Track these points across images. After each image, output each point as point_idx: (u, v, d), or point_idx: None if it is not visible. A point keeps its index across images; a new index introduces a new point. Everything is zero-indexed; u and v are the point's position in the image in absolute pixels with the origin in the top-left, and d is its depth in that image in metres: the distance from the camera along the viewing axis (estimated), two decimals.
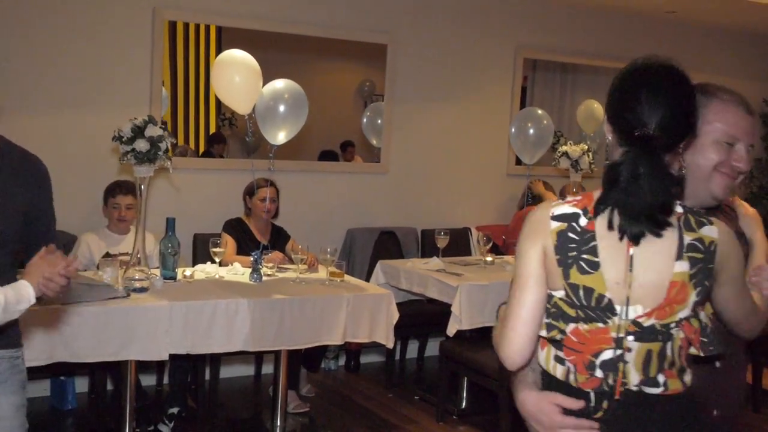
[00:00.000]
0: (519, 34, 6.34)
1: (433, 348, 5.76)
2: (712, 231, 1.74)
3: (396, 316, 4.17)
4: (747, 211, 2.14)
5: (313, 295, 3.99)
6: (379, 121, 5.99)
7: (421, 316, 5.29)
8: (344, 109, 7.76)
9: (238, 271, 4.24)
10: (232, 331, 3.70)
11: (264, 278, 4.15)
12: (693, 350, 1.75)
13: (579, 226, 1.74)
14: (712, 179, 1.96)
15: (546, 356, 1.79)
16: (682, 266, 1.71)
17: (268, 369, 5.25)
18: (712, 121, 1.97)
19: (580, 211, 1.75)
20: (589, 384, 1.73)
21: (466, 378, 4.85)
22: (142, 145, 3.69)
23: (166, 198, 5.00)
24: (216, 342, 3.69)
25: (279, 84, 4.59)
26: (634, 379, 1.72)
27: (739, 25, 7.13)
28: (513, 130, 5.80)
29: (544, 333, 1.76)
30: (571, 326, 1.74)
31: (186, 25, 6.79)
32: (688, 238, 1.72)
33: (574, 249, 1.73)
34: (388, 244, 5.74)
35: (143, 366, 4.64)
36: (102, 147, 4.57)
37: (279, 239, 4.86)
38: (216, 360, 4.78)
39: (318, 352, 4.98)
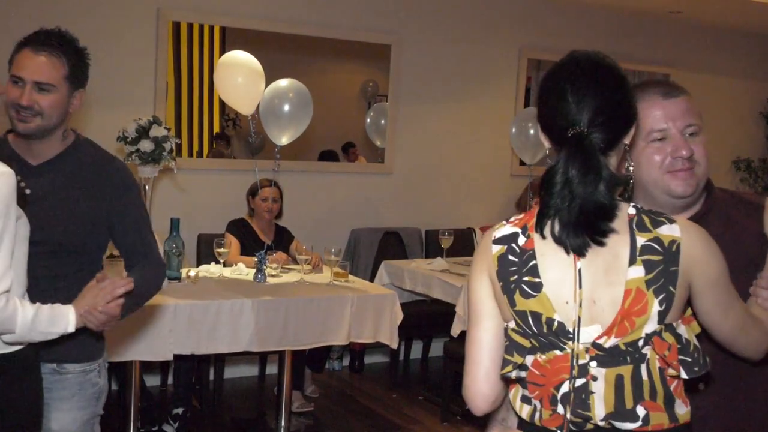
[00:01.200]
0: (523, 34, 6.34)
1: (437, 348, 5.76)
2: (672, 229, 1.51)
3: (400, 316, 4.17)
4: None
5: (318, 295, 3.99)
6: (383, 122, 5.99)
7: (425, 317, 5.29)
8: (347, 110, 7.75)
9: (242, 272, 4.25)
10: (236, 332, 3.70)
11: (268, 279, 4.15)
12: (672, 371, 1.50)
13: (518, 246, 1.57)
14: (665, 181, 1.76)
15: (513, 396, 1.62)
16: (637, 272, 1.49)
17: (272, 369, 5.25)
18: (641, 125, 1.73)
19: (519, 230, 1.58)
20: (553, 422, 1.53)
21: None
22: (146, 145, 3.70)
23: (170, 198, 5.00)
24: (220, 342, 3.70)
25: (283, 83, 4.59)
26: (599, 412, 1.49)
27: (745, 26, 7.12)
28: (513, 130, 5.80)
29: (500, 371, 1.58)
30: (530, 358, 1.54)
31: (190, 26, 6.80)
32: (641, 240, 1.50)
33: (515, 272, 1.55)
34: (392, 245, 5.74)
35: (147, 366, 4.65)
36: (106, 147, 4.54)
37: (283, 240, 4.86)
38: (220, 360, 4.78)
39: (322, 353, 4.98)
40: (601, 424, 1.49)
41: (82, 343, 2.22)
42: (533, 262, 1.54)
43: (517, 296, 1.54)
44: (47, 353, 2.16)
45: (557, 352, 1.52)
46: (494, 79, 6.28)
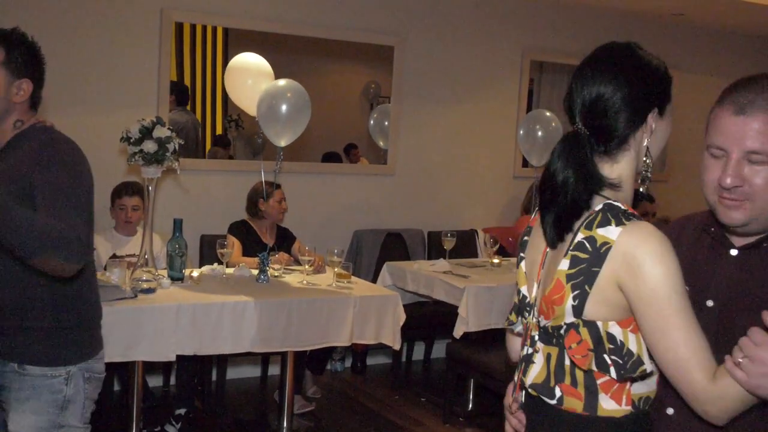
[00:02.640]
0: (526, 36, 6.34)
1: (439, 350, 5.76)
2: (611, 232, 1.50)
3: (402, 317, 4.17)
4: None
5: (320, 296, 3.99)
6: (386, 123, 5.99)
7: (428, 318, 5.29)
8: (350, 111, 7.76)
9: (245, 273, 4.25)
10: (239, 332, 3.70)
11: (271, 279, 4.15)
12: (594, 367, 1.54)
13: (530, 223, 1.77)
14: (713, 203, 1.61)
15: None
16: (564, 264, 1.55)
17: (274, 371, 5.25)
18: (708, 129, 1.62)
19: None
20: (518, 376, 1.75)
21: (472, 380, 4.84)
22: (149, 146, 3.69)
23: (173, 199, 5.01)
24: (223, 343, 3.70)
25: (281, 83, 4.53)
26: (530, 380, 1.64)
27: (747, 28, 7.12)
28: (521, 132, 5.79)
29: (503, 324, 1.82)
30: (520, 319, 1.78)
31: (193, 27, 6.80)
32: (579, 237, 1.54)
33: (521, 245, 1.78)
34: (394, 246, 5.74)
35: (149, 367, 4.66)
36: (110, 148, 4.58)
37: (285, 241, 4.87)
38: (223, 361, 4.78)
39: (322, 355, 4.98)
40: (530, 391, 1.65)
41: (45, 346, 2.18)
42: (525, 238, 1.76)
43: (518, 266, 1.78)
44: (9, 352, 2.17)
45: (524, 321, 1.73)
46: (497, 80, 6.28)
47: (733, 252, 1.61)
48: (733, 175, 1.53)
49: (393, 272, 5.02)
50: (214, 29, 7.17)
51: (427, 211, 6.00)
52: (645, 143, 1.60)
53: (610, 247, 1.50)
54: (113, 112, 4.78)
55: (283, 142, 4.35)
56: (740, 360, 1.39)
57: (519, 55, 6.32)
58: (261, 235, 4.79)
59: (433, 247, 5.78)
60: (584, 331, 1.54)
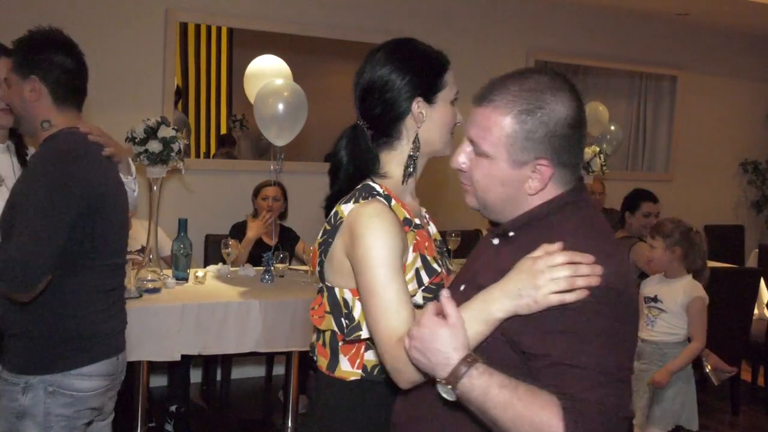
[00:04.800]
0: (530, 36, 6.34)
1: None
2: (347, 208, 1.68)
3: None
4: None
5: None
6: None
7: None
8: (353, 111, 7.76)
9: (249, 272, 4.25)
10: (244, 332, 3.70)
11: (275, 279, 4.15)
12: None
13: None
14: None
15: None
16: (319, 234, 1.75)
17: (279, 370, 5.25)
18: None
19: None
20: None
21: None
22: (154, 146, 3.70)
23: (178, 199, 5.01)
24: (228, 343, 3.70)
25: (278, 82, 4.49)
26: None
27: (752, 28, 7.10)
28: None
29: None
30: None
31: (197, 27, 6.82)
32: (333, 211, 1.73)
33: None
34: None
35: (151, 366, 4.66)
36: None
37: (288, 240, 4.86)
38: (227, 361, 4.79)
39: None
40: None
41: (11, 353, 2.15)
42: None
43: None
44: None
45: None
46: None
47: (495, 241, 1.62)
48: (457, 158, 1.63)
49: None
50: (219, 29, 7.19)
51: (430, 210, 5.94)
52: (415, 131, 1.73)
53: (342, 221, 1.67)
54: (118, 111, 4.79)
55: (280, 142, 4.32)
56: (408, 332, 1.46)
57: (523, 55, 6.31)
58: (262, 235, 4.79)
59: None
60: (326, 295, 1.72)
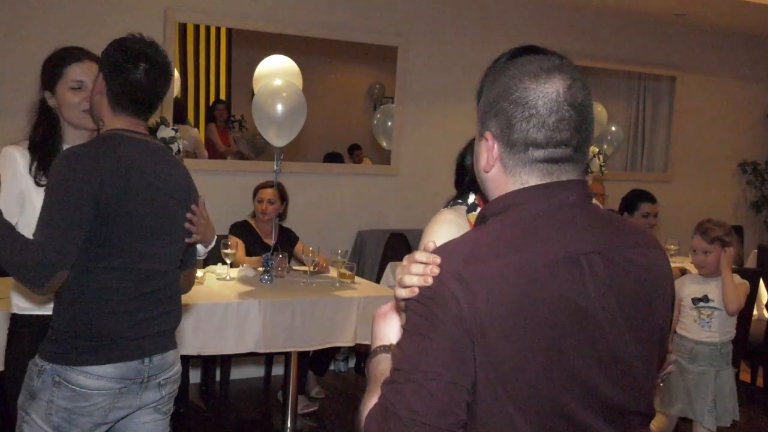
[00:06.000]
0: (529, 36, 6.32)
1: None
2: None
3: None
4: None
5: (324, 296, 3.99)
6: (390, 124, 6.00)
7: None
8: (354, 112, 7.77)
9: (248, 273, 4.25)
10: (243, 332, 3.71)
11: (275, 280, 4.16)
12: None
13: None
14: None
15: None
16: None
17: (278, 371, 5.25)
18: None
19: None
20: None
21: None
22: None
23: None
24: (227, 343, 3.70)
25: (277, 83, 4.47)
26: None
27: (750, 29, 7.11)
28: None
29: None
30: None
31: (196, 27, 6.82)
32: None
33: None
34: (398, 246, 5.73)
35: None
36: None
37: (287, 241, 4.87)
38: (227, 361, 4.79)
39: (325, 356, 4.98)
40: None
41: (46, 336, 2.26)
42: None
43: None
44: None
45: None
46: None
47: None
48: None
49: (397, 272, 5.02)
50: (218, 29, 7.19)
51: (430, 211, 5.93)
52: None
53: None
54: None
55: (279, 143, 4.31)
56: None
57: None
58: (262, 234, 4.79)
59: None
60: None
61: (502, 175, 1.39)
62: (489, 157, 1.39)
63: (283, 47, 5.65)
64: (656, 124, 7.35)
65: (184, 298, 3.66)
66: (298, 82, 4.51)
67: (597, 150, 5.60)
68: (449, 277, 1.27)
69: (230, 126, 7.23)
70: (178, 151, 3.77)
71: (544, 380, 1.27)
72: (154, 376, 2.33)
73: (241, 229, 4.78)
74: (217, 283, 4.04)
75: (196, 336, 3.60)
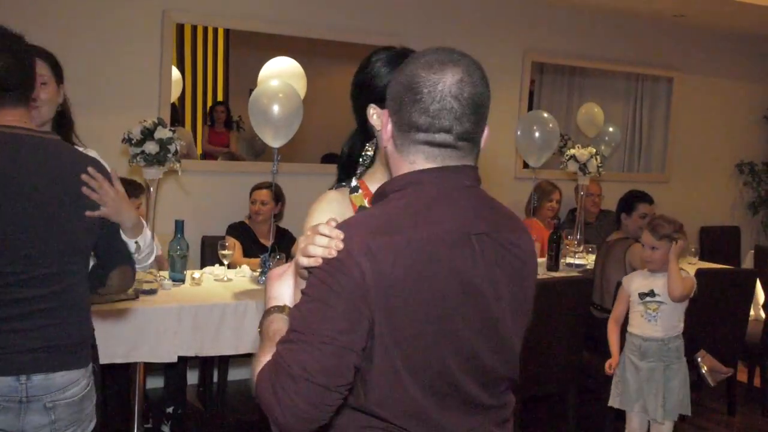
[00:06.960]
0: (527, 37, 6.35)
1: None
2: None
3: None
4: None
5: None
6: None
7: None
8: (349, 113, 7.76)
9: (246, 274, 4.25)
10: (240, 333, 3.70)
11: None
12: None
13: None
14: None
15: None
16: None
17: None
18: None
19: None
20: None
21: None
22: (151, 147, 3.70)
23: (174, 200, 5.01)
24: (225, 344, 3.70)
25: (273, 83, 4.46)
26: None
27: (748, 29, 7.12)
28: (519, 132, 5.80)
29: None
30: None
31: (194, 28, 6.81)
32: None
33: None
34: None
35: (149, 367, 4.65)
36: (111, 149, 4.58)
37: (284, 241, 4.86)
38: (224, 362, 4.78)
39: None
40: None
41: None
42: None
43: None
44: None
45: None
46: (498, 82, 6.25)
47: None
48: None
49: None
50: (216, 30, 7.18)
51: None
52: None
53: None
54: (114, 113, 4.78)
55: (276, 143, 4.30)
56: None
57: (520, 57, 6.32)
58: (259, 235, 4.79)
59: None
60: None
61: (395, 153, 1.53)
62: (384, 131, 1.55)
63: (281, 48, 5.66)
64: (654, 125, 7.36)
65: (183, 299, 3.67)
66: (303, 84, 4.50)
67: (594, 151, 5.59)
68: (357, 249, 1.36)
69: (229, 127, 7.24)
70: (176, 152, 3.77)
71: (435, 347, 1.39)
72: (36, 398, 2.05)
73: (237, 229, 4.78)
74: (215, 284, 4.04)
75: (194, 337, 3.60)
